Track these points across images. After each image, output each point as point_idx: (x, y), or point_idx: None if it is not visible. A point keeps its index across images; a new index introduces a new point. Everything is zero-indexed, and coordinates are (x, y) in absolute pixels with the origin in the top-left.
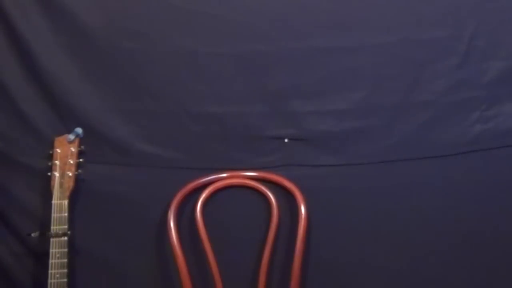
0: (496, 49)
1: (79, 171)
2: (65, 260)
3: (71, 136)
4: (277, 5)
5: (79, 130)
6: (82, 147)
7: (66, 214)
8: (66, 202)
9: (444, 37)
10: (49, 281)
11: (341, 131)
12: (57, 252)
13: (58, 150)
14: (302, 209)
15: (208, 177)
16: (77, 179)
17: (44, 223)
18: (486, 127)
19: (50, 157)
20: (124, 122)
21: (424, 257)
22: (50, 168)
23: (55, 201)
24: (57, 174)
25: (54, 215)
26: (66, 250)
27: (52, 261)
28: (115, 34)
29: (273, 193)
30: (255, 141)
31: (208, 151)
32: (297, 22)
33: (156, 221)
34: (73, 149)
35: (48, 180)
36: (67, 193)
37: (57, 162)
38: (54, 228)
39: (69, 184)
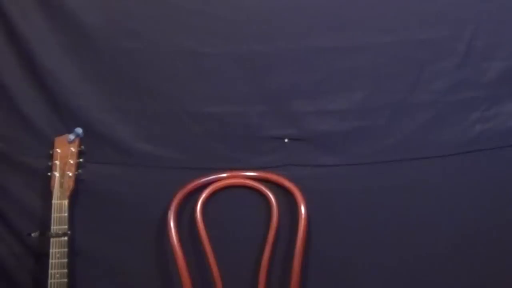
0: (496, 49)
1: (79, 171)
2: (65, 260)
3: (71, 136)
4: (277, 5)
5: (79, 130)
6: (82, 147)
7: (66, 214)
8: (66, 202)
9: (444, 37)
10: (49, 281)
11: (341, 131)
12: (57, 252)
13: (58, 150)
14: (302, 209)
15: (208, 177)
16: (77, 179)
17: (44, 223)
18: (486, 127)
19: (50, 157)
20: (124, 122)
21: (424, 257)
22: (50, 168)
23: (55, 201)
24: (57, 174)
25: (54, 215)
26: (66, 250)
27: (52, 261)
28: (115, 34)
29: (273, 193)
30: (255, 141)
31: (208, 151)
32: (297, 22)
33: (156, 221)
34: (73, 149)
35: (48, 180)
36: (67, 193)
37: (57, 162)
38: (54, 228)
39: (69, 184)
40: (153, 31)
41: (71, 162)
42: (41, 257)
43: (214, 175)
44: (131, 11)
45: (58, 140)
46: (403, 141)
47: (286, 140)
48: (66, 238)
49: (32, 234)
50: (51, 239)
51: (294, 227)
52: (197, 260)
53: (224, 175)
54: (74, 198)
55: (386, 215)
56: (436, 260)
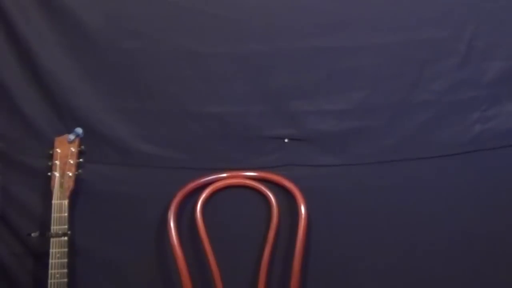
0: (496, 49)
1: (79, 171)
2: (65, 260)
3: (71, 136)
4: (277, 5)
5: (79, 130)
6: (82, 147)
7: (66, 214)
8: (66, 202)
9: (444, 37)
10: (49, 281)
11: (341, 131)
12: (57, 252)
13: (58, 150)
14: (302, 209)
15: (208, 177)
16: (77, 179)
17: (44, 223)
18: (486, 127)
19: (50, 157)
20: (124, 122)
21: (424, 257)
22: (50, 168)
23: (55, 201)
24: (57, 174)
25: (54, 215)
26: (66, 250)
27: (52, 261)
28: (115, 34)
29: (273, 193)
30: (255, 141)
31: (208, 151)
32: (297, 22)
33: (156, 221)
34: (73, 149)
35: (48, 180)
36: (67, 193)
37: (57, 162)
38: (54, 228)
39: (69, 184)
40: (153, 31)
41: (71, 162)
42: (41, 257)
43: (214, 175)
44: (131, 11)
45: (58, 140)
46: (403, 141)
47: (286, 140)
48: (66, 238)
49: (32, 234)
50: (51, 239)
51: (294, 227)
52: (197, 260)
53: (224, 175)
54: (74, 198)
55: (386, 215)
56: (436, 259)
